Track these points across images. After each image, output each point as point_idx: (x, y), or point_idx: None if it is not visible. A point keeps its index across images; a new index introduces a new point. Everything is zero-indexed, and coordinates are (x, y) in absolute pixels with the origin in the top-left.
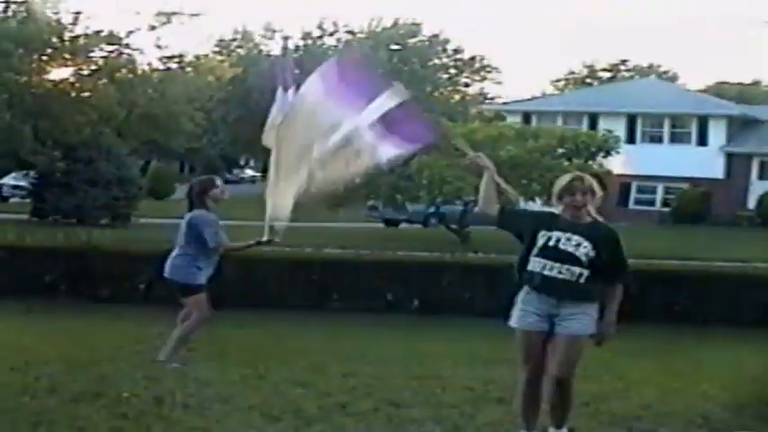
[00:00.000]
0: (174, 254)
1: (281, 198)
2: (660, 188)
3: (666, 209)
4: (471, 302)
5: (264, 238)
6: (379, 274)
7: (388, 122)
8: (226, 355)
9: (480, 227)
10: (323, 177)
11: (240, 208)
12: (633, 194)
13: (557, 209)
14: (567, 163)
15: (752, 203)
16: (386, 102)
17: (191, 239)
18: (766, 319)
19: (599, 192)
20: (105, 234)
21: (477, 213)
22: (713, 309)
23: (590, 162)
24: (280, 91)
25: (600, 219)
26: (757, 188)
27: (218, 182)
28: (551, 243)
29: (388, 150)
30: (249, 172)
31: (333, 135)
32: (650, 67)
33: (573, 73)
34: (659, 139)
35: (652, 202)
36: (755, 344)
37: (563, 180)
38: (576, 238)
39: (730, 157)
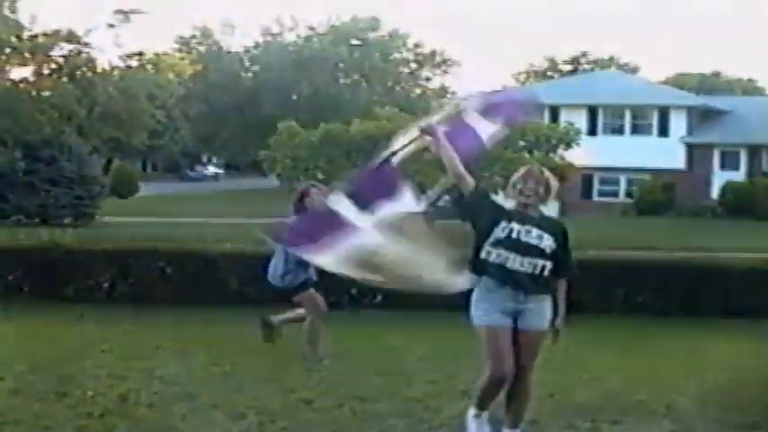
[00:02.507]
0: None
1: None
2: (623, 179)
3: (630, 200)
4: (433, 296)
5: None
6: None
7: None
8: (190, 353)
9: (445, 220)
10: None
11: (202, 205)
12: (596, 186)
13: (507, 203)
14: (528, 155)
15: (715, 194)
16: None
17: None
18: (728, 308)
19: (554, 189)
20: (68, 233)
21: (442, 206)
22: (675, 299)
23: (551, 154)
24: None
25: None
26: (719, 178)
27: (314, 190)
28: (513, 235)
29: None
30: (212, 169)
31: None
32: (611, 59)
33: (533, 66)
34: (620, 131)
35: (615, 194)
36: (718, 333)
37: (523, 168)
38: (535, 230)
39: (691, 147)
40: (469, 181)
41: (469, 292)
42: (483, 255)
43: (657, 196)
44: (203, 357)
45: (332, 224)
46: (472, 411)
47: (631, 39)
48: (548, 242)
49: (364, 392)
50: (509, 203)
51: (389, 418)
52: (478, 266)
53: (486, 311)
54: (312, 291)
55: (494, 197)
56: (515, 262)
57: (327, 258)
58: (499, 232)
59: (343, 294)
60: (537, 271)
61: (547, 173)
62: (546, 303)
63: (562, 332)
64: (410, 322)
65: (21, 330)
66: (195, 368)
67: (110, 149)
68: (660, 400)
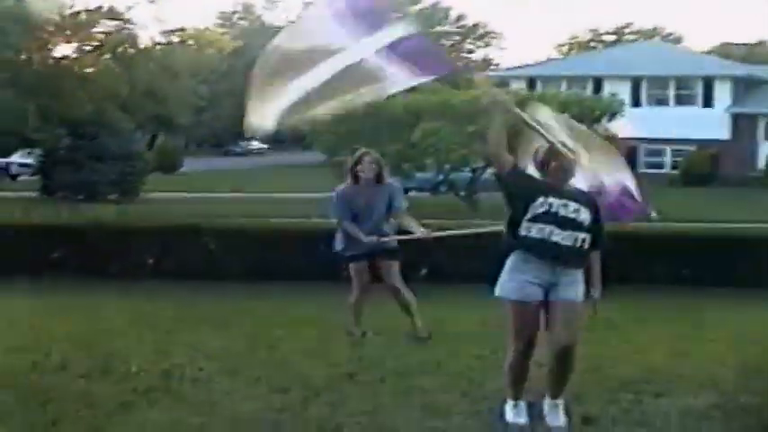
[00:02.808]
0: None
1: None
2: (668, 150)
3: (675, 171)
4: (481, 270)
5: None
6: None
7: (400, 51)
8: (234, 327)
9: (490, 193)
10: (324, 99)
11: (249, 180)
12: (642, 158)
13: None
14: None
15: (761, 164)
16: (394, 31)
17: None
18: None
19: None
20: (110, 209)
21: (486, 178)
22: (719, 270)
23: (595, 126)
24: None
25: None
26: (765, 149)
27: (366, 158)
28: (553, 210)
29: (399, 76)
30: (256, 144)
31: (338, 57)
32: (654, 29)
33: (576, 37)
34: (665, 102)
35: (661, 165)
36: (761, 305)
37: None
38: (572, 204)
39: (736, 118)
40: (509, 159)
41: (500, 264)
42: (523, 231)
43: (703, 167)
44: (247, 332)
45: None
46: (509, 403)
47: (675, 8)
48: (584, 216)
49: (408, 367)
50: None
51: (432, 393)
52: (518, 242)
53: (520, 284)
54: (361, 264)
55: (529, 172)
56: (557, 236)
57: None
58: (537, 207)
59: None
60: (578, 244)
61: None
62: (578, 276)
63: (603, 304)
64: (455, 296)
65: (65, 308)
66: (239, 343)
67: (154, 126)
68: (703, 372)
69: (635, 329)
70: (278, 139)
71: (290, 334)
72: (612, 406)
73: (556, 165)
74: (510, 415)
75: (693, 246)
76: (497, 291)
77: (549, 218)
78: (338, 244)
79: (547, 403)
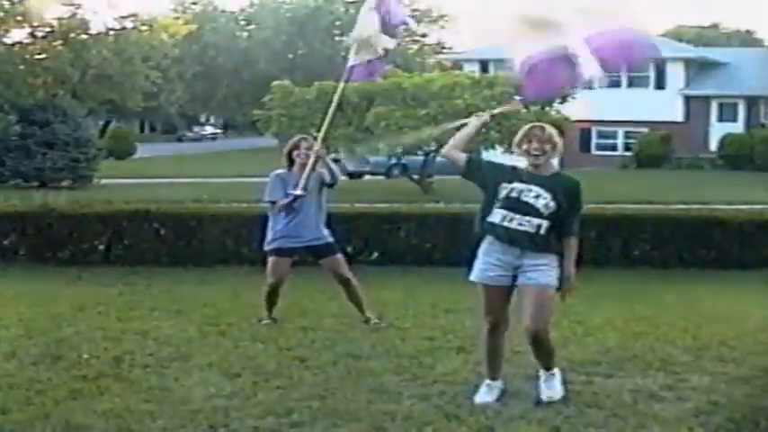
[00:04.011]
0: None
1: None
2: (620, 133)
3: (628, 153)
4: (431, 252)
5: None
6: (337, 225)
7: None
8: (185, 313)
9: (443, 176)
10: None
11: (198, 165)
12: (594, 140)
13: (518, 161)
14: (524, 110)
15: (713, 146)
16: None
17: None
18: (724, 260)
19: (559, 143)
20: (63, 196)
21: (440, 161)
22: (672, 252)
23: (547, 108)
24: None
25: (561, 170)
26: (717, 130)
27: (304, 144)
28: (513, 195)
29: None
30: (209, 129)
31: None
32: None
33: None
34: (617, 84)
35: (614, 147)
36: (714, 286)
37: (524, 128)
38: (535, 189)
39: (689, 99)
40: (461, 156)
41: (475, 248)
42: (489, 217)
43: (656, 149)
44: (198, 318)
45: None
46: (485, 382)
47: None
48: (543, 201)
49: (359, 350)
50: (522, 163)
51: (383, 375)
52: (485, 226)
53: (486, 265)
54: (279, 259)
55: (493, 159)
56: (513, 220)
57: None
58: (501, 192)
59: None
60: (534, 229)
61: (548, 129)
62: (546, 261)
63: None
64: (405, 279)
65: (16, 294)
66: (190, 329)
67: (107, 112)
68: (655, 353)
69: (587, 312)
70: (231, 125)
71: (241, 319)
72: (563, 387)
73: (525, 148)
74: (480, 394)
75: (646, 227)
76: (470, 274)
77: (511, 203)
78: (269, 233)
79: (542, 374)
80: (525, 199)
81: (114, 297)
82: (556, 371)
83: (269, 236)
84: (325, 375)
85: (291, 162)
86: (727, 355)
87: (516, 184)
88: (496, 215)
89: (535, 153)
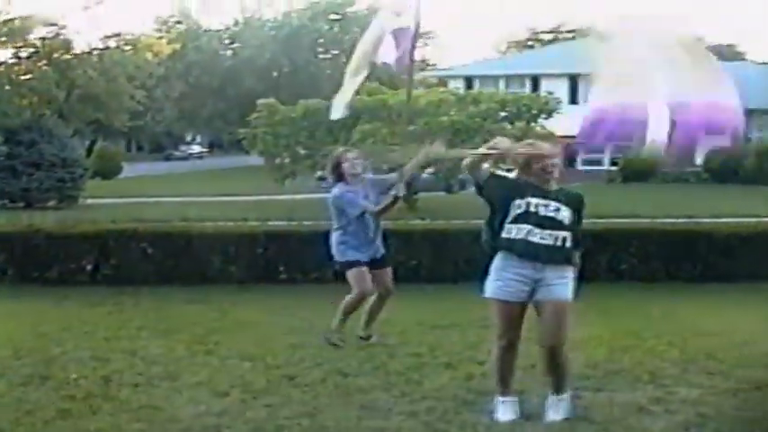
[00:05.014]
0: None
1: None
2: (607, 148)
3: (614, 168)
4: (416, 269)
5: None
6: (325, 244)
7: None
8: (173, 332)
9: (428, 194)
10: None
11: (185, 184)
12: (580, 155)
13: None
14: (509, 126)
15: (699, 159)
16: None
17: (334, 215)
18: (710, 274)
19: (560, 158)
20: (50, 216)
21: (425, 178)
22: (659, 266)
23: (532, 124)
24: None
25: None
26: (703, 144)
27: (349, 155)
28: (532, 209)
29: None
30: (196, 148)
31: None
32: (590, 28)
33: (514, 36)
34: None
35: (600, 162)
36: (701, 299)
37: (529, 149)
38: (553, 203)
39: None
40: (485, 170)
41: (487, 264)
42: (504, 233)
43: (642, 163)
44: (186, 337)
45: None
46: (498, 399)
47: (611, 6)
48: (565, 214)
49: (347, 367)
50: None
51: (372, 392)
52: (500, 243)
53: (504, 281)
54: (361, 269)
55: (503, 174)
56: (536, 235)
57: None
58: (516, 209)
59: (328, 268)
60: (558, 243)
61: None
62: (567, 274)
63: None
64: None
65: (3, 314)
66: (178, 348)
67: (92, 131)
68: (643, 367)
69: (575, 326)
70: (217, 144)
71: (230, 338)
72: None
73: (537, 167)
74: (499, 412)
75: (633, 241)
76: (485, 290)
77: (530, 218)
78: (337, 250)
79: (550, 398)
80: (546, 213)
81: (102, 316)
82: (566, 396)
83: (341, 248)
84: (314, 393)
85: (339, 176)
86: (715, 368)
87: (531, 199)
88: (514, 230)
89: (550, 170)
